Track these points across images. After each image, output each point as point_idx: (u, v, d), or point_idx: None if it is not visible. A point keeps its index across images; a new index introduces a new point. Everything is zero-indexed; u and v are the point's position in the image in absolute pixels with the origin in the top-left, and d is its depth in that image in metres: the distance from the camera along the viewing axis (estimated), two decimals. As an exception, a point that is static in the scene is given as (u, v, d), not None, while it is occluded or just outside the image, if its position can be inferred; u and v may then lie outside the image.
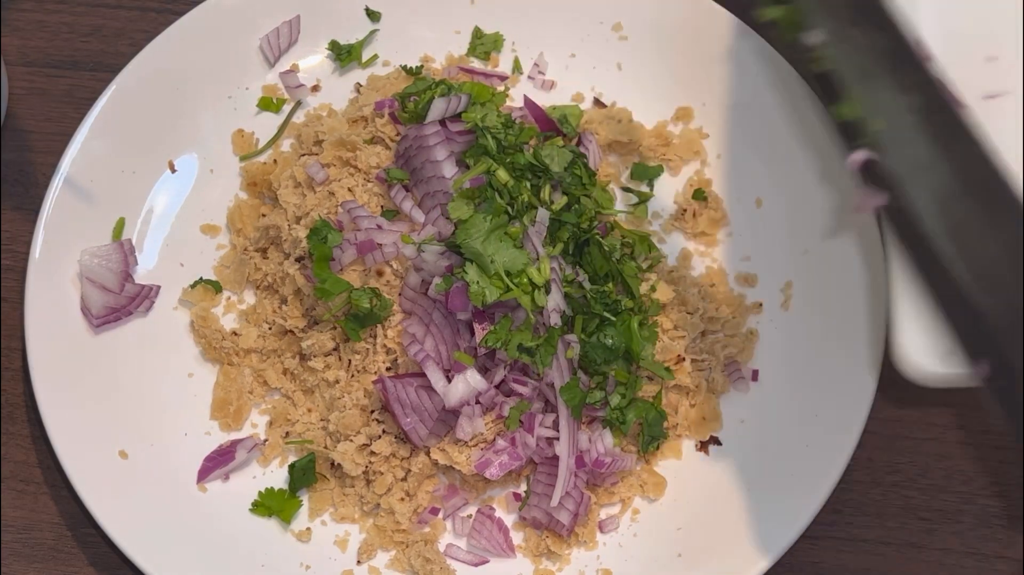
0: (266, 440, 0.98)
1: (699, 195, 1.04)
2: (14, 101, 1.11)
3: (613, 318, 0.93)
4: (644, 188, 1.06)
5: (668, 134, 1.06)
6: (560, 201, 0.95)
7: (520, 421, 0.93)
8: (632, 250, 0.99)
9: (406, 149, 0.97)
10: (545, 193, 0.95)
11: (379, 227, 0.94)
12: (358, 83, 1.08)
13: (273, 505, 0.96)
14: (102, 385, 0.97)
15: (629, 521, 0.96)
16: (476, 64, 1.08)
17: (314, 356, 0.97)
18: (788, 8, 0.64)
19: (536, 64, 1.08)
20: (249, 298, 1.03)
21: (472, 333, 0.92)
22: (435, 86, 0.99)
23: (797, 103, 1.02)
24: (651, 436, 0.95)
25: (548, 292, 0.90)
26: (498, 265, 0.89)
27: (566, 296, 0.92)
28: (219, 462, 0.96)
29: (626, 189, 1.05)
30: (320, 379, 0.97)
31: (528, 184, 0.94)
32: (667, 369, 0.96)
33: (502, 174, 0.93)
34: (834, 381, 0.95)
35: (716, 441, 0.97)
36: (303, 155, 1.03)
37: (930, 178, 0.54)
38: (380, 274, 0.95)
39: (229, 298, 1.03)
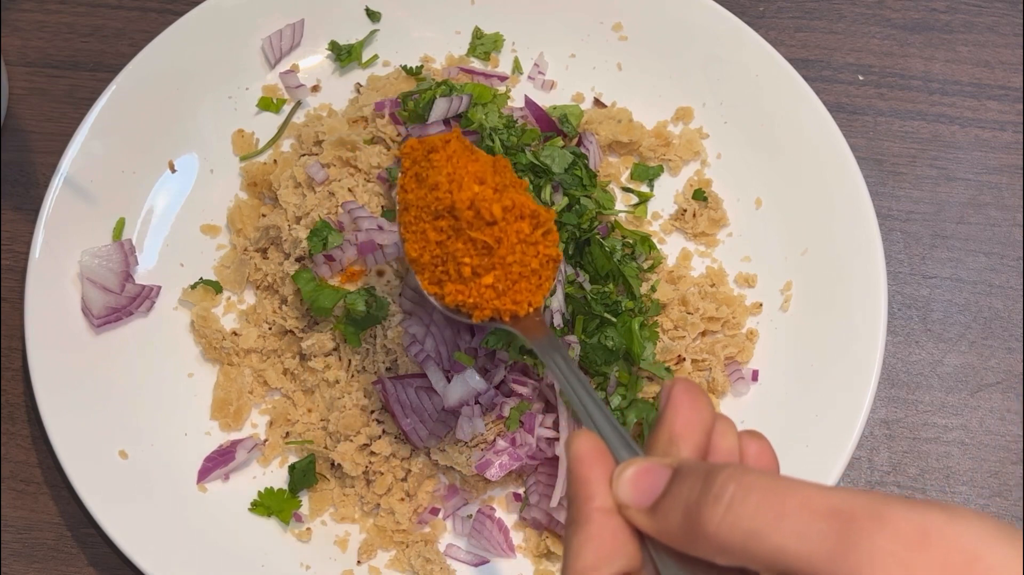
0: (266, 440, 0.98)
1: (699, 195, 1.04)
2: (14, 101, 1.11)
3: (613, 319, 0.92)
4: (644, 188, 1.06)
5: (668, 134, 1.06)
6: (561, 202, 0.95)
7: (520, 421, 0.93)
8: (633, 250, 0.99)
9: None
10: (546, 194, 0.95)
11: (380, 228, 0.94)
12: (358, 83, 1.08)
13: (273, 505, 0.95)
14: (102, 385, 0.97)
15: (629, 521, 0.95)
16: (476, 64, 1.08)
17: (314, 356, 0.97)
18: None
19: (536, 64, 1.08)
20: (249, 298, 1.03)
21: (472, 334, 0.92)
22: (436, 87, 0.99)
23: (796, 104, 1.02)
24: (651, 436, 0.95)
25: (553, 293, 0.90)
26: (501, 265, 0.89)
27: (567, 296, 0.92)
28: (219, 462, 0.96)
29: (626, 189, 1.05)
30: (320, 379, 0.97)
31: (530, 185, 0.94)
32: (667, 369, 0.96)
33: (507, 175, 0.93)
34: (834, 381, 0.95)
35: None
36: (303, 155, 1.03)
37: None
38: (381, 274, 0.95)
39: (229, 298, 1.03)
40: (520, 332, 0.77)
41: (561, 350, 0.72)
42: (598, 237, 0.96)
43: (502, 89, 1.06)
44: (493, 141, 0.95)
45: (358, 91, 1.07)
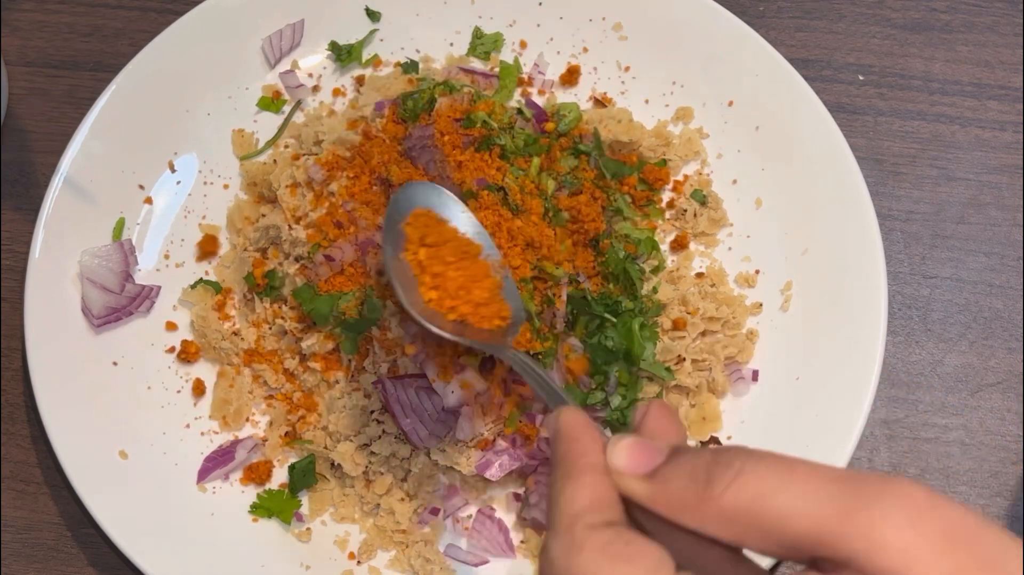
0: (266, 440, 0.98)
1: (699, 195, 1.04)
2: (14, 101, 1.11)
3: (614, 319, 0.93)
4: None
5: (668, 134, 1.06)
6: (561, 202, 0.95)
7: (520, 421, 0.93)
8: (635, 251, 0.99)
9: (410, 148, 0.97)
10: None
11: (380, 227, 0.94)
12: (358, 76, 1.07)
13: (273, 505, 0.95)
14: (102, 385, 0.97)
15: (629, 521, 0.95)
16: (476, 64, 1.08)
17: (314, 356, 0.97)
18: None
19: (536, 64, 1.08)
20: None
21: (472, 333, 0.92)
22: (436, 86, 0.99)
23: (796, 103, 1.02)
24: (651, 437, 0.95)
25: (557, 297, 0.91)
26: (503, 264, 0.89)
27: (567, 296, 0.92)
28: (219, 462, 0.96)
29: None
30: (320, 379, 0.97)
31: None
32: (668, 369, 0.96)
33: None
34: (834, 381, 0.95)
35: (716, 441, 0.97)
36: (303, 155, 1.03)
37: None
38: (380, 274, 0.95)
39: (229, 298, 1.03)
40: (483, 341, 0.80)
41: (521, 355, 0.75)
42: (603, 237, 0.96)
43: (502, 89, 1.06)
44: (508, 141, 0.95)
45: (358, 88, 1.07)
